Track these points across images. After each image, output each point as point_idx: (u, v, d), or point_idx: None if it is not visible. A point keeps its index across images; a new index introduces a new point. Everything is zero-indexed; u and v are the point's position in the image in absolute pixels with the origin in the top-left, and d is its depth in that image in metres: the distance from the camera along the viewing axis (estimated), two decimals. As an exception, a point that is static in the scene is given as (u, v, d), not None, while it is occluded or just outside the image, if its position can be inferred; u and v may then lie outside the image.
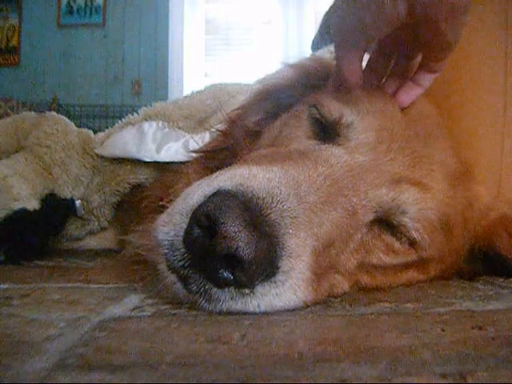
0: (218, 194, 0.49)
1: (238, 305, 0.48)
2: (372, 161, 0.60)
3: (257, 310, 0.49)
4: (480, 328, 0.46)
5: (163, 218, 0.52)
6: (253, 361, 0.37)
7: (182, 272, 0.49)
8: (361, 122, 0.64)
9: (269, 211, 0.48)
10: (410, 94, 0.70)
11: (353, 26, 0.62)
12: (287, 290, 0.49)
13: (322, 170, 0.56)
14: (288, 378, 0.34)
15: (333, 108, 0.66)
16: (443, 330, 0.46)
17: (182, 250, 0.49)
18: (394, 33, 0.64)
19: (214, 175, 0.54)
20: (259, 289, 0.48)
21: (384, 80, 0.74)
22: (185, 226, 0.49)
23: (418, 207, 0.60)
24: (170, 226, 0.50)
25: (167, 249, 0.50)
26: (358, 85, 0.68)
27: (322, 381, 0.34)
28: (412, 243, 0.62)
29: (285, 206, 0.49)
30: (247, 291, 0.48)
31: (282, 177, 0.52)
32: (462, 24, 0.61)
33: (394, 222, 0.61)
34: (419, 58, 0.70)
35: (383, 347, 0.41)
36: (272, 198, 0.49)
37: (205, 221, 0.46)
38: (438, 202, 0.62)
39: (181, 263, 0.49)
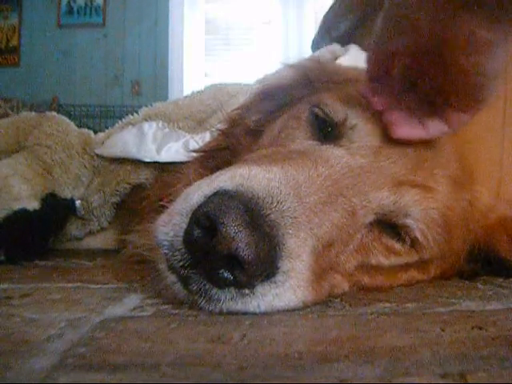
0: (218, 194, 0.48)
1: (238, 305, 0.48)
2: (373, 162, 0.60)
3: (257, 311, 0.49)
4: (480, 328, 0.46)
5: (163, 218, 0.52)
6: (253, 361, 0.37)
7: (182, 272, 0.49)
8: (365, 126, 0.64)
9: (269, 211, 0.48)
10: (408, 131, 0.62)
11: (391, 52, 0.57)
12: (287, 290, 0.49)
13: (322, 170, 0.56)
14: (288, 378, 0.34)
15: (337, 109, 0.66)
16: (443, 330, 0.46)
17: (182, 251, 0.49)
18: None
19: (214, 175, 0.54)
20: (259, 289, 0.48)
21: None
22: (185, 226, 0.49)
23: (420, 208, 0.60)
24: (170, 226, 0.50)
25: (167, 249, 0.50)
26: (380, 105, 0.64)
27: (322, 381, 0.34)
28: (414, 244, 0.62)
29: (285, 207, 0.49)
30: (247, 291, 0.48)
31: (282, 177, 0.52)
32: (491, 68, 0.52)
33: (397, 224, 0.61)
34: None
35: (383, 347, 0.41)
36: (272, 199, 0.49)
37: (205, 221, 0.46)
38: (440, 202, 0.62)
39: (181, 263, 0.49)
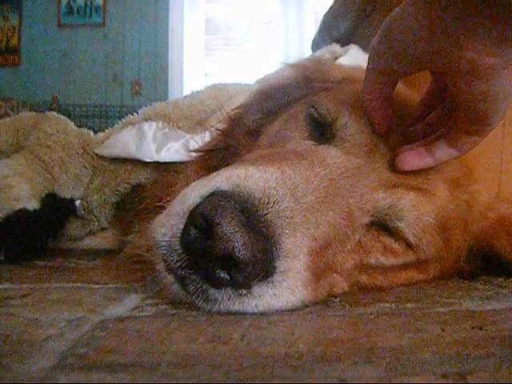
0: (214, 194, 0.48)
1: (236, 305, 0.48)
2: (369, 163, 0.60)
3: (255, 310, 0.49)
4: (480, 328, 0.46)
5: (160, 218, 0.52)
6: (253, 361, 0.37)
7: (179, 273, 0.49)
8: (355, 123, 0.64)
9: (265, 212, 0.48)
10: (417, 163, 0.60)
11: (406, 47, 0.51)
12: (285, 290, 0.49)
13: (319, 170, 0.56)
14: (288, 377, 0.34)
15: (331, 108, 0.66)
16: (443, 330, 0.46)
17: (179, 251, 0.49)
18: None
19: (211, 176, 0.54)
20: (256, 289, 0.48)
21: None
22: (182, 226, 0.49)
23: (415, 213, 0.60)
24: (167, 226, 0.50)
25: (165, 250, 0.50)
26: (384, 127, 0.62)
27: (321, 381, 0.34)
28: (409, 246, 0.62)
29: (281, 207, 0.49)
30: (244, 291, 0.48)
31: (278, 177, 0.51)
32: (498, 92, 0.50)
33: (391, 227, 0.61)
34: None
35: (383, 347, 0.41)
36: (268, 199, 0.49)
37: (201, 222, 0.46)
38: (437, 206, 0.62)
39: (178, 264, 0.49)
